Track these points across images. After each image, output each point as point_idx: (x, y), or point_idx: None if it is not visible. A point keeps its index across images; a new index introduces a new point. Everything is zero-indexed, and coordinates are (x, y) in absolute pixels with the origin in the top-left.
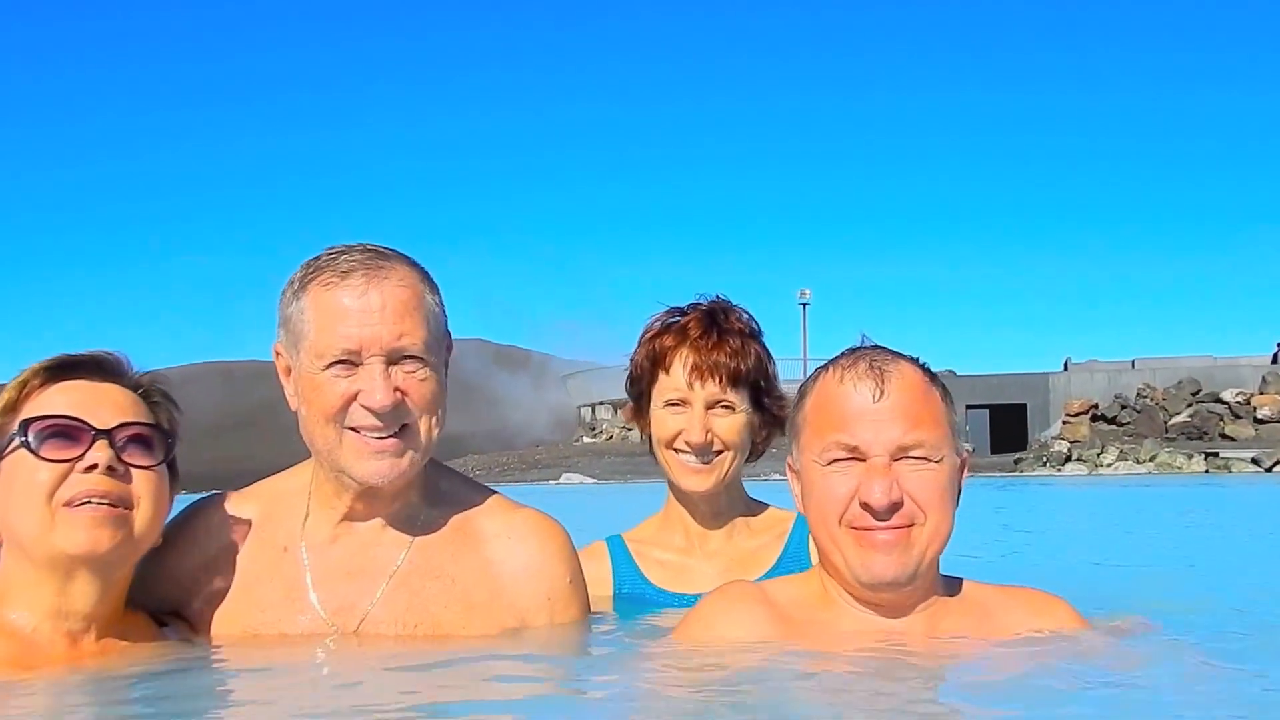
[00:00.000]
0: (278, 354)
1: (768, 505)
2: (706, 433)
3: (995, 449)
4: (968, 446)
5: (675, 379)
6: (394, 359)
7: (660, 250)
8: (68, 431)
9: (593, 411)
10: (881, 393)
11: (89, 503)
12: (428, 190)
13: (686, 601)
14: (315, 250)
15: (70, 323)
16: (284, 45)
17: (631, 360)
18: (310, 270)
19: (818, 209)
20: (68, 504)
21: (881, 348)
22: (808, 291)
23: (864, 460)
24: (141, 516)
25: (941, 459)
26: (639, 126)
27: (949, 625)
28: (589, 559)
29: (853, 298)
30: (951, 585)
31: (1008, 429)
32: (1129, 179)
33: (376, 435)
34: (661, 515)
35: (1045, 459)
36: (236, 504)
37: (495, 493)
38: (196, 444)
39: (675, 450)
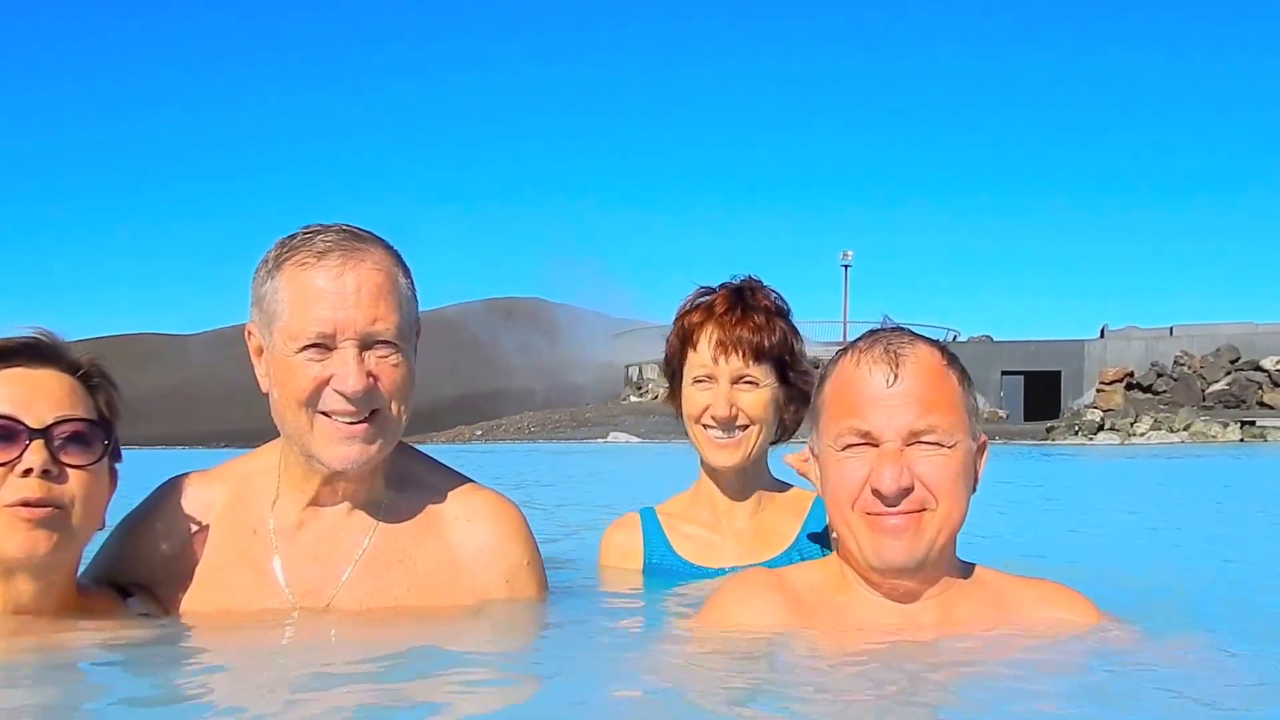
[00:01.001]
0: (249, 334)
1: (791, 485)
2: (731, 407)
3: (1029, 416)
4: (1002, 412)
5: (702, 355)
6: (367, 344)
7: (706, 212)
8: (3, 432)
9: (639, 371)
10: (895, 377)
11: (25, 506)
12: (480, 148)
13: (712, 575)
14: (358, 210)
15: (123, 282)
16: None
17: (666, 341)
18: (285, 249)
19: (862, 173)
20: (8, 505)
21: (901, 330)
22: (850, 253)
23: (877, 445)
24: (77, 515)
25: (955, 444)
26: (686, 88)
27: (963, 612)
28: (623, 529)
29: (895, 261)
30: (968, 572)
31: (1042, 396)
32: (1172, 147)
33: (347, 420)
34: (692, 491)
35: (1077, 428)
36: (206, 485)
37: (460, 476)
38: (255, 403)
39: (703, 425)
